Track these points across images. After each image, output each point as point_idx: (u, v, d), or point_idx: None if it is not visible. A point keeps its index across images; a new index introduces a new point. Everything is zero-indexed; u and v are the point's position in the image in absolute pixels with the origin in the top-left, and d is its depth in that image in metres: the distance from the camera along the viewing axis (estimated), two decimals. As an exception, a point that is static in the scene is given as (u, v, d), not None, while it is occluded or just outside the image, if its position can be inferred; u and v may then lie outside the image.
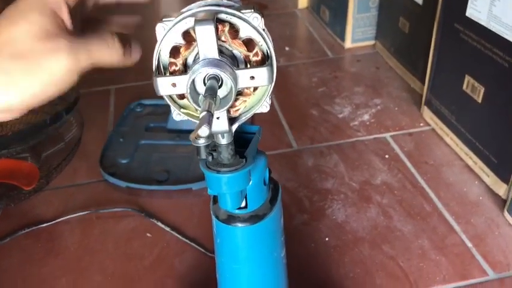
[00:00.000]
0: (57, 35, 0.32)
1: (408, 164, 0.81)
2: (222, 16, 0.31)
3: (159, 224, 0.72)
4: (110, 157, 0.85)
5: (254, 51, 0.32)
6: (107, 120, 0.96)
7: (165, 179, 0.80)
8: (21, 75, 0.31)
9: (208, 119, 0.26)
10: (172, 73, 0.33)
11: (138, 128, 0.91)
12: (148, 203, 0.77)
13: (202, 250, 0.68)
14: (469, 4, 0.73)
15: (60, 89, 0.33)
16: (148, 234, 0.71)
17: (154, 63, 0.32)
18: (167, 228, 0.71)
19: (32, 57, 0.31)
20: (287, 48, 1.19)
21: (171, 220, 0.73)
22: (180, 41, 0.32)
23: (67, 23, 0.33)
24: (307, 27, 1.31)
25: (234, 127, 0.34)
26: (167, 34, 0.31)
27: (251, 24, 0.31)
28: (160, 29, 0.31)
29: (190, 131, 0.99)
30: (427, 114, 0.90)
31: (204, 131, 0.26)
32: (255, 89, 0.34)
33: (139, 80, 1.06)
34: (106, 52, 0.34)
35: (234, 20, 0.31)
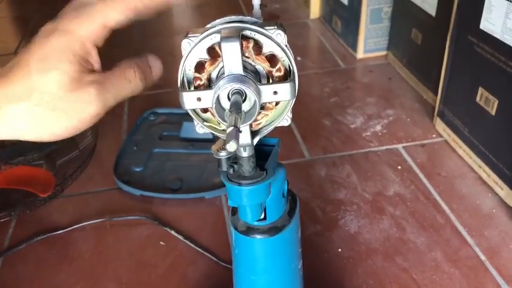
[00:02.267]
0: (87, 84, 0.33)
1: (421, 176, 0.81)
2: (247, 33, 0.32)
3: (173, 232, 0.73)
4: (123, 165, 0.85)
5: (277, 66, 0.33)
6: (121, 129, 0.97)
7: (178, 187, 0.80)
8: (50, 121, 0.32)
9: (236, 134, 0.27)
10: (197, 87, 0.33)
11: (151, 136, 0.92)
12: (162, 211, 0.77)
13: (215, 259, 0.68)
14: (483, 17, 0.73)
15: (87, 126, 0.34)
16: (161, 243, 0.72)
17: (180, 78, 0.33)
18: (180, 237, 0.72)
19: (62, 106, 0.32)
20: (299, 58, 1.20)
21: (184, 228, 0.74)
22: (205, 56, 0.32)
23: (96, 65, 0.34)
24: (319, 37, 1.32)
25: (256, 140, 0.35)
26: (193, 49, 0.32)
27: (275, 41, 0.32)
28: (185, 44, 0.32)
29: (203, 140, 0.99)
30: (440, 125, 0.90)
31: (232, 146, 0.26)
32: (277, 103, 0.34)
33: (153, 88, 1.07)
34: (129, 88, 0.35)
35: (257, 36, 0.32)
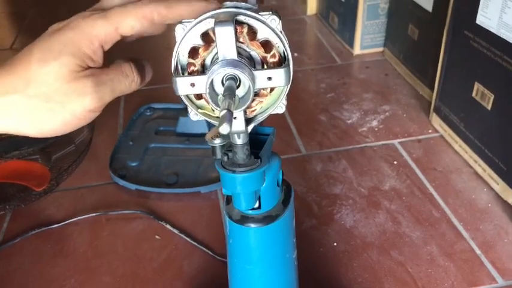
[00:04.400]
0: (83, 76, 0.32)
1: (417, 171, 0.81)
2: (241, 18, 0.32)
3: (168, 226, 0.72)
4: (119, 160, 0.85)
5: (271, 52, 0.33)
6: (117, 124, 0.97)
7: (174, 182, 0.80)
8: (43, 113, 0.32)
9: (229, 118, 0.27)
10: (191, 73, 0.33)
11: (147, 131, 0.92)
12: (158, 205, 0.77)
13: (211, 253, 0.68)
14: (479, 11, 0.73)
15: (81, 124, 0.34)
16: (157, 237, 0.71)
17: (173, 63, 0.33)
18: (176, 231, 0.72)
19: (57, 98, 0.32)
20: (296, 54, 1.20)
21: (179, 223, 0.74)
22: (199, 41, 0.32)
23: (97, 64, 0.33)
24: (315, 33, 1.32)
25: (250, 127, 0.35)
26: (186, 35, 0.32)
27: (269, 26, 0.32)
28: (179, 29, 0.32)
29: (199, 135, 0.98)
30: (436, 121, 0.90)
31: (225, 129, 0.26)
32: (272, 90, 0.34)
33: (149, 83, 1.06)
34: (126, 83, 0.35)
35: (252, 21, 0.32)
